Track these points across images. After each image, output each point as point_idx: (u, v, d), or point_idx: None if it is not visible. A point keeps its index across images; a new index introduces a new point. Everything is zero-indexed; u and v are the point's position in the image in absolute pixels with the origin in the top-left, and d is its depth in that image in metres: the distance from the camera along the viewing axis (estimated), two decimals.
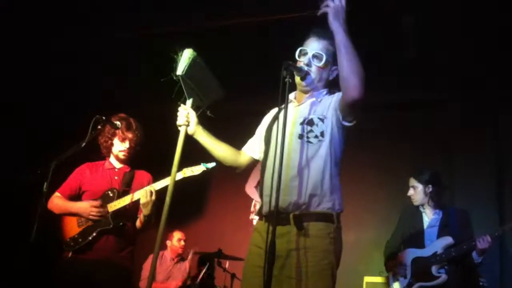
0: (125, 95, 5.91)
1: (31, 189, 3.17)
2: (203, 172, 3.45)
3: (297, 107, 2.64)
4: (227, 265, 5.59)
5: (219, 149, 2.77)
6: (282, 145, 2.30)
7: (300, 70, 2.55)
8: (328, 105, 2.54)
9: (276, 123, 2.52)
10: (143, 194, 3.39)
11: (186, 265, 5.87)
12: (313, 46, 2.59)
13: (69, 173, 3.64)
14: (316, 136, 2.48)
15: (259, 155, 2.79)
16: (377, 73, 5.04)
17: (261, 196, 2.55)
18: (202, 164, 3.43)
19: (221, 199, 6.62)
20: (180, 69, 2.71)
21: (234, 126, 4.62)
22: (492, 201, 5.28)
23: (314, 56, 2.57)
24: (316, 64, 2.57)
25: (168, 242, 5.90)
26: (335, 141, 2.50)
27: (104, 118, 3.28)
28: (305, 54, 2.60)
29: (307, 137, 2.49)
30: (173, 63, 2.72)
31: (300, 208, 2.42)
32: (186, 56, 2.72)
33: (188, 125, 2.73)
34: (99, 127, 3.28)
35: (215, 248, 5.38)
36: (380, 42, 4.79)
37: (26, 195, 3.20)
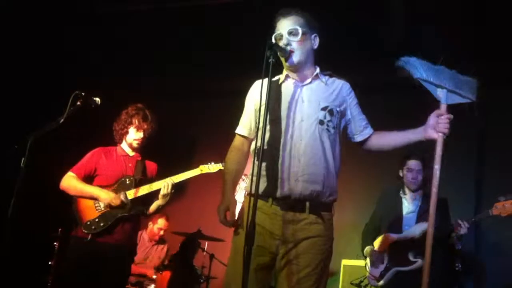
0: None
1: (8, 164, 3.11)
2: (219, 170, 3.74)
3: (307, 86, 2.58)
4: (206, 246, 5.59)
5: None
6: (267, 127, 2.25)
7: (283, 49, 2.52)
8: (345, 102, 2.62)
9: (284, 101, 2.51)
10: (164, 186, 3.59)
11: (165, 248, 5.78)
12: (284, 24, 2.56)
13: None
14: (334, 127, 2.53)
15: (254, 134, 2.62)
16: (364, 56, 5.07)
17: (268, 176, 2.42)
18: (221, 163, 3.73)
19: (201, 178, 6.57)
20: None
21: None
22: (470, 188, 5.34)
23: (289, 33, 2.54)
24: (294, 40, 2.54)
25: (150, 224, 5.73)
26: (340, 136, 2.61)
27: (83, 94, 3.26)
28: (281, 36, 2.56)
29: (327, 125, 2.50)
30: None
31: (317, 197, 2.43)
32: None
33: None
34: (78, 103, 3.26)
35: (195, 228, 5.37)
36: (367, 24, 4.77)
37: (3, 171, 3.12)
